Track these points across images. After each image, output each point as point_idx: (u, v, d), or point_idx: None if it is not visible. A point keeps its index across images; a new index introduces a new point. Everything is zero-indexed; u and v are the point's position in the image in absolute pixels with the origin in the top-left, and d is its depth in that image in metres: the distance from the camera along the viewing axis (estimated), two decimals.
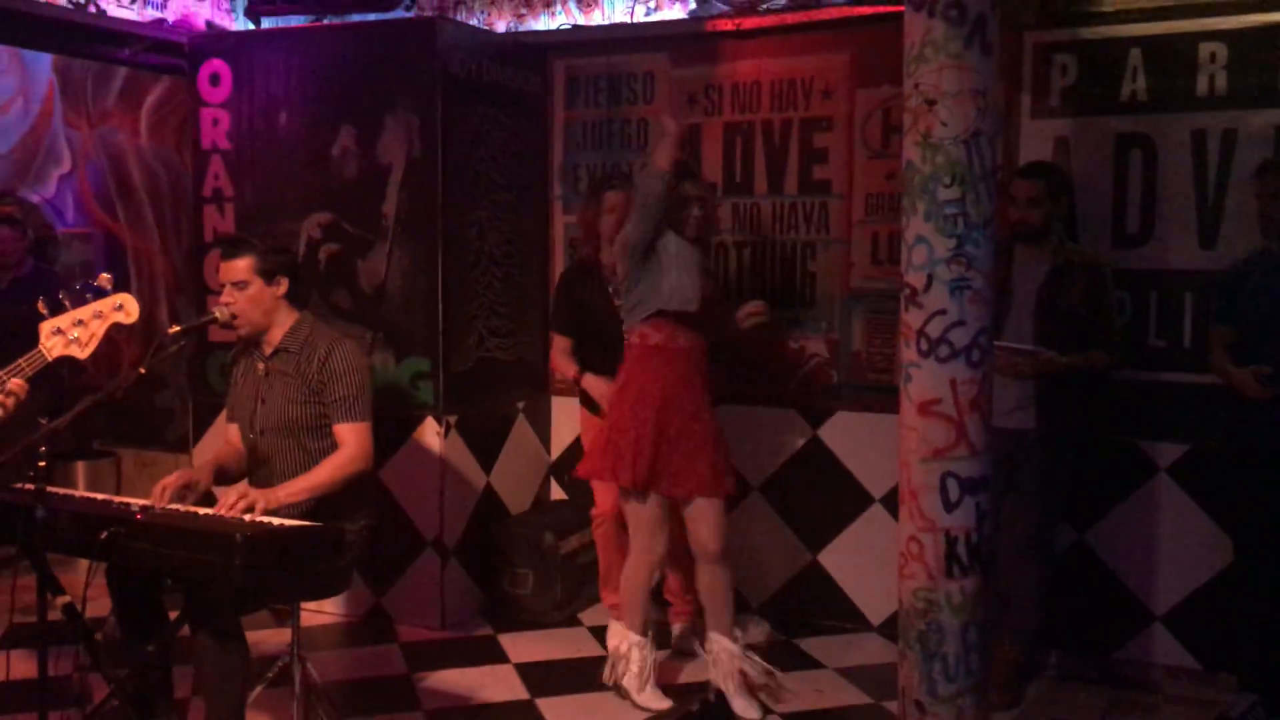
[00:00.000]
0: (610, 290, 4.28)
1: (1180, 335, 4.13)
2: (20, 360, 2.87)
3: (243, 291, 3.46)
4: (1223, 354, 3.80)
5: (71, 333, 2.92)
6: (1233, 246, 4.01)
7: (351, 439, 3.46)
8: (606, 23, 5.11)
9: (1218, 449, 3.94)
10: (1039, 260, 3.93)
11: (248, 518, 3.11)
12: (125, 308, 3.00)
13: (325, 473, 3.42)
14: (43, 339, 2.90)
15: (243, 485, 3.36)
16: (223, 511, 3.16)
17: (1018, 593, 3.99)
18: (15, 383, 2.86)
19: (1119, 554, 4.24)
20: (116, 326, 3.01)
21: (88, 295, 3.00)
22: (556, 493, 5.40)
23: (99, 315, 2.96)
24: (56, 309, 2.97)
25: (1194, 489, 4.14)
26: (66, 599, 3.08)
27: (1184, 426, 4.13)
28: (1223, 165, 4.06)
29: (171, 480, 3.31)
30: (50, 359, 2.90)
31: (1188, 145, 4.10)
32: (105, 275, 3.05)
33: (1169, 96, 4.11)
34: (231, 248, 3.51)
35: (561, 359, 4.41)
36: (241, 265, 3.46)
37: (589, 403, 4.38)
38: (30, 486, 2.83)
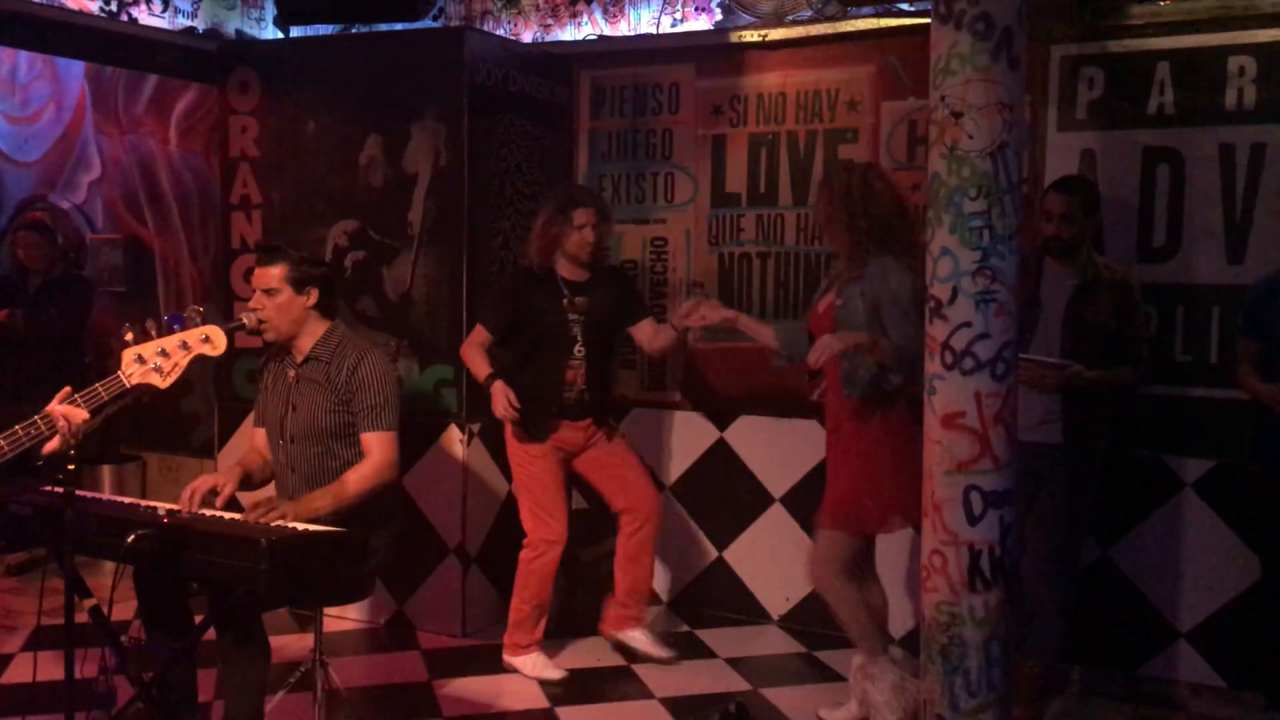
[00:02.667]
0: (565, 302, 4.25)
1: (1207, 350, 4.10)
2: (98, 385, 2.84)
3: (272, 299, 3.49)
4: (1249, 369, 3.78)
5: (154, 361, 2.89)
6: (1261, 261, 3.98)
7: (377, 448, 3.48)
8: (632, 34, 5.12)
9: (1245, 465, 3.91)
10: (1068, 274, 3.91)
11: (273, 523, 3.13)
12: (212, 340, 2.97)
13: (353, 484, 3.44)
14: (124, 365, 2.88)
15: (270, 498, 3.38)
16: (250, 516, 3.18)
17: (1041, 608, 3.96)
18: (68, 409, 2.78)
19: (1144, 569, 4.21)
20: (201, 359, 2.99)
21: (175, 326, 3.00)
22: (578, 501, 5.39)
23: (185, 346, 2.93)
24: (142, 338, 2.96)
25: (1220, 505, 4.11)
26: (93, 601, 3.11)
27: (1210, 442, 4.10)
28: (1251, 179, 4.03)
29: (199, 484, 3.34)
30: (128, 385, 2.86)
31: (1215, 159, 4.08)
32: (196, 307, 3.03)
33: (1197, 110, 4.09)
34: (267, 254, 3.54)
35: (475, 351, 4.31)
36: (274, 273, 3.49)
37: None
38: (60, 490, 2.85)
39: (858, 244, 3.67)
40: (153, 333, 2.96)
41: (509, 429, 4.34)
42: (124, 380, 2.86)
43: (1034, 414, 3.85)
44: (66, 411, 2.76)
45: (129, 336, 2.93)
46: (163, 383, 2.92)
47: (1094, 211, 3.94)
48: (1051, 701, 4.06)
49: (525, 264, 4.37)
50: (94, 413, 2.80)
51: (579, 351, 4.27)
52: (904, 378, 3.58)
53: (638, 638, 4.49)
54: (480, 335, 4.35)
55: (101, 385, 2.84)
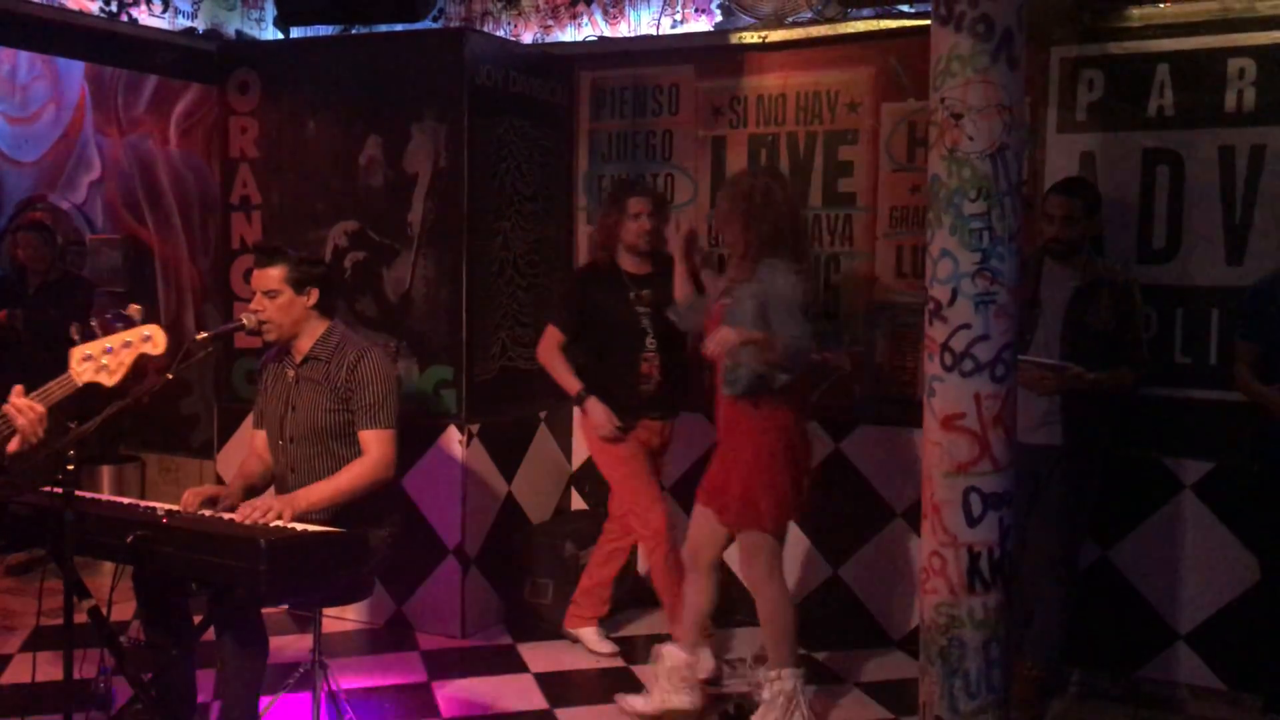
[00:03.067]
0: (631, 296, 4.30)
1: (1206, 352, 4.10)
2: (51, 384, 2.90)
3: (273, 300, 3.49)
4: (1248, 370, 3.77)
5: (101, 359, 2.95)
6: (1260, 263, 3.98)
7: (375, 446, 3.48)
8: (632, 35, 5.12)
9: (1246, 467, 3.90)
10: (1068, 276, 3.91)
11: (272, 523, 3.14)
12: (153, 339, 3.03)
13: (347, 480, 3.44)
14: (73, 364, 2.93)
15: (265, 497, 3.38)
16: (245, 518, 3.18)
17: (1042, 610, 3.96)
18: (22, 402, 2.85)
19: (1143, 571, 4.21)
20: (144, 357, 3.03)
21: (118, 325, 3.04)
22: (577, 502, 5.40)
23: (128, 345, 2.99)
24: (88, 336, 3.01)
25: (1219, 506, 4.11)
26: (92, 602, 3.11)
27: (1209, 443, 4.10)
28: (1250, 181, 4.03)
29: (202, 490, 3.35)
30: (79, 384, 2.93)
31: (1215, 161, 4.08)
32: (135, 306, 3.10)
33: (1196, 112, 4.09)
34: (266, 256, 3.54)
35: (556, 356, 4.36)
36: (274, 274, 3.49)
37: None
38: (59, 490, 2.86)
39: (750, 246, 3.72)
40: (98, 332, 3.00)
41: (590, 435, 4.39)
42: (75, 379, 2.91)
43: (1034, 416, 3.86)
44: (22, 407, 2.83)
45: (75, 335, 2.98)
46: (109, 380, 2.97)
47: (1095, 213, 3.94)
48: (1051, 704, 4.06)
49: (593, 259, 4.44)
50: (49, 410, 2.87)
51: (651, 344, 4.29)
52: (791, 376, 3.63)
53: (587, 634, 4.59)
54: (554, 336, 4.38)
55: (55, 384, 2.91)
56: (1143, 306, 3.97)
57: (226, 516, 3.24)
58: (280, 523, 3.17)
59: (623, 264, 4.34)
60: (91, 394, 4.82)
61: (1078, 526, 3.98)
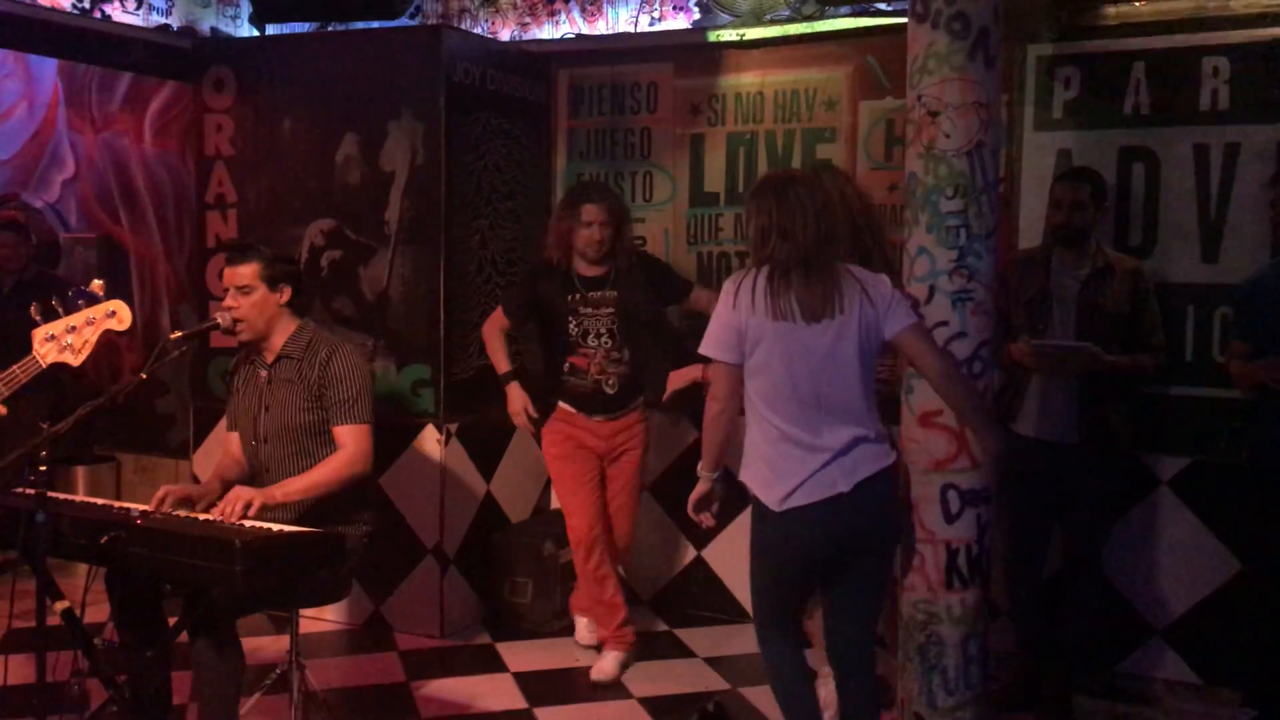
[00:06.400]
0: (576, 297, 4.28)
1: (1182, 348, 4.12)
2: (14, 367, 2.86)
3: (246, 297, 3.46)
4: (1244, 363, 3.70)
5: (65, 339, 2.90)
6: (1235, 260, 4.01)
7: (350, 441, 3.46)
8: (610, 32, 5.11)
9: (1242, 463, 3.90)
10: (1078, 264, 3.92)
11: (247, 523, 3.11)
12: (118, 314, 2.99)
13: (323, 473, 3.41)
14: (36, 345, 2.89)
15: (239, 487, 3.35)
16: (221, 513, 3.16)
17: (1074, 611, 3.98)
18: None
19: (1120, 567, 4.23)
20: (110, 333, 3.00)
21: (80, 302, 2.99)
22: (556, 502, 5.38)
23: (91, 322, 2.94)
24: (49, 315, 2.96)
25: (1196, 503, 4.13)
26: (65, 604, 3.08)
27: (1186, 440, 4.13)
28: (1225, 179, 4.06)
29: (175, 490, 3.31)
30: (44, 365, 2.89)
31: (1190, 159, 4.10)
32: (98, 281, 3.05)
33: (1172, 110, 4.12)
34: (237, 253, 3.51)
35: (496, 337, 4.42)
36: (246, 271, 3.46)
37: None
38: (31, 491, 2.83)
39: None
40: (59, 310, 2.96)
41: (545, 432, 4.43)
42: (39, 360, 2.88)
43: (1050, 410, 3.87)
44: None
45: (37, 316, 2.94)
46: (75, 360, 2.94)
47: (1102, 201, 3.95)
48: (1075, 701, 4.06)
49: (546, 257, 4.39)
50: (12, 395, 2.83)
51: (593, 343, 4.28)
52: None
53: (580, 625, 4.71)
54: (498, 319, 4.43)
55: (18, 367, 2.87)
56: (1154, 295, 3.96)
57: (201, 517, 3.21)
58: (252, 511, 3.15)
59: (576, 266, 4.30)
60: (67, 394, 4.79)
61: (1107, 526, 4.01)
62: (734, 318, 2.96)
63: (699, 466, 3.12)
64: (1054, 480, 3.92)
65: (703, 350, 3.06)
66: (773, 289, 2.92)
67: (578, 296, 4.28)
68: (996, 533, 3.41)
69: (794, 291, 2.90)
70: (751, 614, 3.23)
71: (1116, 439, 3.92)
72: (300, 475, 3.42)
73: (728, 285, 3.01)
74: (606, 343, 4.29)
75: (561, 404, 4.35)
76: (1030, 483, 3.94)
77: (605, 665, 4.32)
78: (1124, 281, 3.89)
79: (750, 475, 3.03)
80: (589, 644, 4.60)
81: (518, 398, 4.37)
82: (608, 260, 4.30)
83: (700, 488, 3.12)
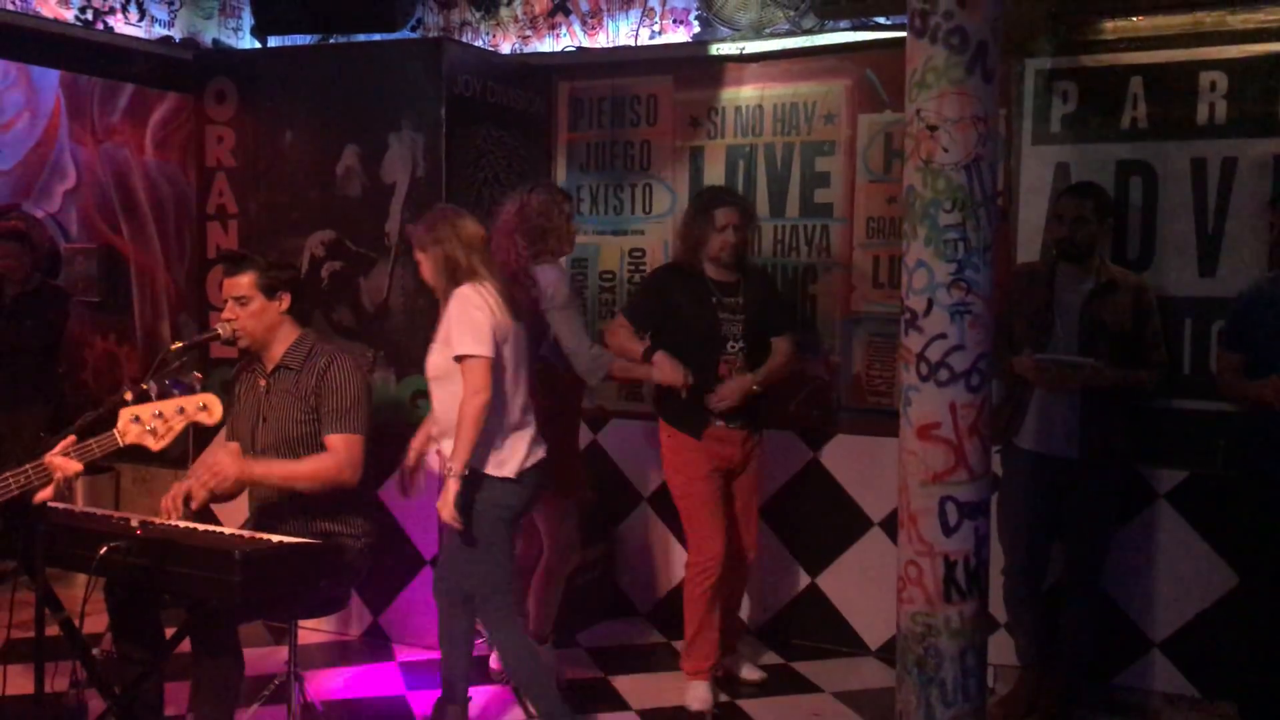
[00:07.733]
0: (714, 301, 4.13)
1: (1179, 362, 4.13)
2: (92, 441, 2.85)
3: (245, 307, 3.47)
4: (1235, 376, 3.72)
5: (149, 423, 2.89)
6: (1232, 274, 4.02)
7: (341, 448, 3.43)
8: (611, 45, 5.13)
9: (1234, 475, 3.92)
10: (1082, 279, 3.94)
11: (246, 534, 3.11)
12: (209, 409, 2.96)
13: (306, 468, 3.40)
14: (120, 423, 2.87)
15: (217, 459, 3.36)
16: (192, 482, 3.20)
17: (1077, 624, 3.99)
18: (63, 460, 2.81)
19: (1118, 580, 4.24)
20: (196, 426, 2.97)
21: (175, 390, 3.00)
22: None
23: (182, 412, 2.92)
24: (141, 397, 2.95)
25: (1193, 516, 4.14)
26: (64, 614, 3.08)
27: (1183, 453, 4.14)
28: (1222, 193, 4.08)
29: (175, 491, 3.31)
30: (121, 444, 2.88)
31: (1188, 173, 4.12)
32: (197, 374, 3.06)
33: (1169, 124, 4.14)
34: (234, 264, 3.52)
35: (624, 336, 4.16)
36: (244, 281, 3.47)
37: (668, 409, 4.17)
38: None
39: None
40: (152, 394, 2.96)
41: (667, 452, 4.21)
42: (118, 439, 2.88)
43: (1051, 425, 3.88)
44: (63, 465, 2.81)
45: (128, 396, 2.94)
46: (155, 445, 2.91)
47: (1106, 216, 3.96)
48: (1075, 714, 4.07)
49: (672, 260, 4.30)
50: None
51: (732, 348, 4.13)
52: None
53: (695, 689, 4.24)
54: (622, 324, 4.19)
55: (96, 442, 2.87)
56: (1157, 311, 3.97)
57: (200, 527, 3.21)
58: (226, 485, 3.23)
59: (707, 271, 4.16)
60: (66, 405, 4.76)
61: (1108, 539, 4.02)
62: None
63: None
64: (1054, 494, 3.93)
65: None
66: None
67: (715, 300, 4.13)
68: (996, 546, 3.42)
69: None
70: None
71: (1116, 453, 3.93)
72: (285, 461, 3.43)
73: None
74: (743, 349, 4.15)
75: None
76: (1030, 496, 3.95)
77: (701, 693, 4.14)
78: (1127, 297, 3.90)
79: None
80: (706, 708, 4.18)
81: (668, 363, 4.03)
82: (738, 268, 4.18)
83: None
